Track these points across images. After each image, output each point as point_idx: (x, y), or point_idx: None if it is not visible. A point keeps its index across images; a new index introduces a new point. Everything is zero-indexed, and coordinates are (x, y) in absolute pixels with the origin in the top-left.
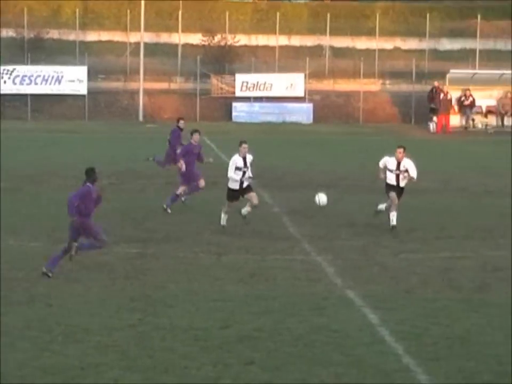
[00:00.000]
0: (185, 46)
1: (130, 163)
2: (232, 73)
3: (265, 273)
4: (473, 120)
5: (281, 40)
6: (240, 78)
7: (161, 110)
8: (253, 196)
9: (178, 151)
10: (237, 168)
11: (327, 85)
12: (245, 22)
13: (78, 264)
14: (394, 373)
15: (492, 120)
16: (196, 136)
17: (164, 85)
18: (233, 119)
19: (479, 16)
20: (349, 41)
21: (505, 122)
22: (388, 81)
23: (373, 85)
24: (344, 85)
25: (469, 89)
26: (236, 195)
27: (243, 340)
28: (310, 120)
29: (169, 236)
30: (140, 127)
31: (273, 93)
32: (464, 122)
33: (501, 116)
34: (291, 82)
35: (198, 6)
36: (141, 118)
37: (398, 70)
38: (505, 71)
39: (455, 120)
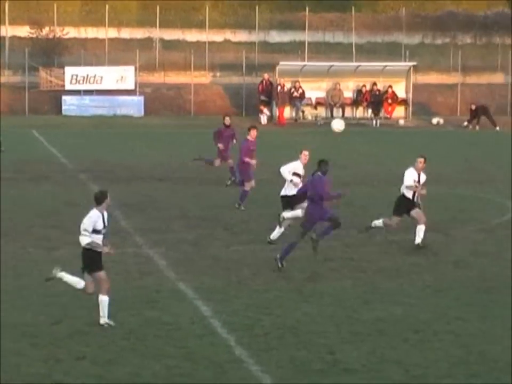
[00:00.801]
0: (13, 38)
1: None
2: (61, 66)
3: None
4: (303, 112)
5: (110, 32)
6: (69, 71)
7: None
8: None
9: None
10: (297, 174)
11: (157, 77)
12: (73, 14)
13: None
14: (227, 364)
15: (322, 111)
16: (253, 132)
17: None
18: (63, 112)
19: (307, 9)
20: (179, 34)
21: (335, 114)
22: (218, 74)
23: (204, 77)
24: (174, 78)
25: (298, 81)
26: (291, 201)
27: (74, 335)
28: (141, 113)
29: None
30: None
31: (103, 86)
32: (294, 114)
33: (331, 107)
34: (121, 75)
35: None
36: None
37: (228, 62)
38: (334, 63)
39: (285, 112)
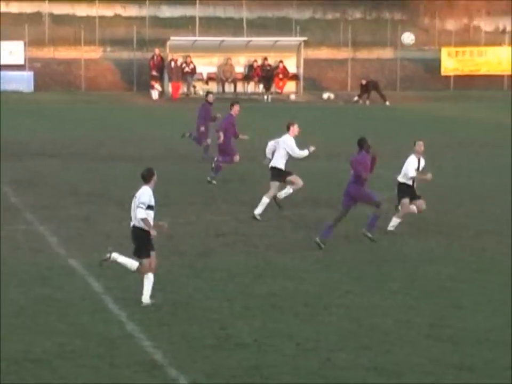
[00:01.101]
0: None
1: None
2: None
3: None
4: (194, 87)
5: None
6: None
7: None
8: (296, 178)
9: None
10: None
11: (47, 52)
12: None
13: None
14: (118, 340)
15: (213, 86)
16: (236, 108)
17: None
18: None
19: None
20: (68, 8)
21: (226, 89)
22: (109, 49)
23: (94, 53)
24: (65, 53)
25: (189, 56)
26: (282, 174)
27: None
28: (31, 88)
29: None
30: None
31: None
32: (185, 89)
33: (222, 82)
34: (10, 50)
35: None
36: None
37: (119, 37)
38: (225, 38)
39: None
